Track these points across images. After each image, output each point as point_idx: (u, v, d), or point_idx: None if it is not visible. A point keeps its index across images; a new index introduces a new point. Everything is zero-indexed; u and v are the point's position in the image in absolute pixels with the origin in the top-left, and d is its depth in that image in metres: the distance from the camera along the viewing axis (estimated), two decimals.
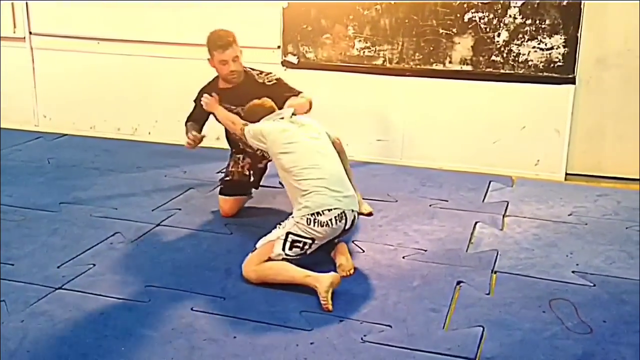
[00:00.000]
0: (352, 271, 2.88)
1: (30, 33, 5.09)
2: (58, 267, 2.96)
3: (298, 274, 2.76)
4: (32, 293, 2.72)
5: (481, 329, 2.49)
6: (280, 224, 2.90)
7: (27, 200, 3.76)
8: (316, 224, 2.80)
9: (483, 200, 3.88)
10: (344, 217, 2.86)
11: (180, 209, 3.66)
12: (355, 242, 3.24)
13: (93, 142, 4.99)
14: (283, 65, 4.60)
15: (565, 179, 4.30)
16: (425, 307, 2.65)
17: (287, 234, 2.80)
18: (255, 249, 2.87)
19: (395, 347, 2.37)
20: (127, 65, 4.98)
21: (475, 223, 3.51)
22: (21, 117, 5.23)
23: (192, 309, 2.61)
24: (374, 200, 3.79)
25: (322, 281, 2.66)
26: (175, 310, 2.61)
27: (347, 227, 2.90)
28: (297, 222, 2.83)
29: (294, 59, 4.59)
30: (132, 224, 3.43)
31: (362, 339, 2.42)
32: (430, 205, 3.78)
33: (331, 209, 2.83)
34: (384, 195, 3.92)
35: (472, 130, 4.43)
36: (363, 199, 3.18)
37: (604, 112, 4.25)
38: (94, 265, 2.98)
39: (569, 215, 3.65)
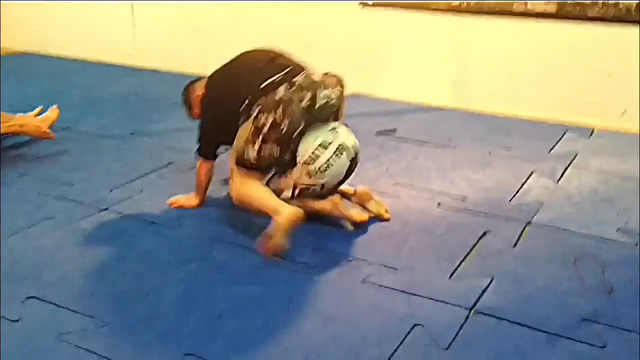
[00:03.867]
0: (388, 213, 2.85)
1: None
2: (110, 190, 3.18)
3: (310, 204, 2.74)
4: (79, 212, 2.96)
5: (489, 280, 2.40)
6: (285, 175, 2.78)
7: (105, 129, 4.04)
8: (318, 172, 2.67)
9: (550, 151, 3.65)
10: (344, 150, 2.68)
11: None
12: (396, 184, 3.21)
13: (181, 78, 5.14)
14: (360, 5, 4.52)
15: None
16: (440, 255, 2.58)
17: (294, 185, 2.75)
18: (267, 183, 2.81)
19: (393, 289, 2.36)
20: (218, 4, 5.11)
21: (531, 173, 3.33)
22: (121, 53, 5.56)
23: (211, 239, 2.73)
24: (432, 145, 3.71)
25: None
26: (197, 238, 2.74)
27: (352, 157, 2.71)
28: (299, 177, 2.71)
29: None
30: (188, 156, 3.57)
31: (363, 280, 2.42)
32: (489, 153, 3.62)
33: (326, 145, 2.67)
34: (445, 140, 3.80)
35: (553, 76, 4.13)
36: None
37: None
38: (142, 191, 3.18)
39: None
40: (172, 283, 2.43)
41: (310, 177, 2.70)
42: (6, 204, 3.02)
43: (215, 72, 2.96)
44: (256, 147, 2.66)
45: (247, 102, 2.68)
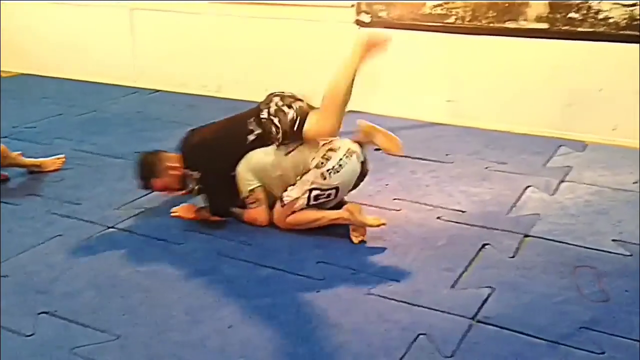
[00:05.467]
0: (365, 237, 2.87)
1: None
2: (116, 209, 3.25)
3: (328, 214, 2.89)
4: (87, 230, 3.02)
5: (490, 289, 2.47)
6: (299, 179, 2.91)
7: (108, 148, 4.10)
8: (332, 173, 2.83)
9: (544, 165, 3.74)
10: (353, 153, 2.90)
11: None
12: (395, 199, 3.28)
13: (181, 97, 5.28)
14: (356, 24, 4.62)
15: None
16: (441, 267, 2.66)
17: (309, 190, 2.86)
18: (284, 204, 2.93)
19: (396, 300, 2.42)
20: (216, 25, 5.20)
21: (527, 187, 3.41)
22: (121, 73, 5.63)
23: (218, 253, 2.80)
24: (430, 160, 3.79)
25: (350, 213, 2.84)
26: (203, 253, 2.81)
27: (362, 160, 2.94)
28: (314, 181, 2.86)
29: (367, 18, 4.59)
30: None
31: (367, 291, 2.49)
32: (485, 168, 3.70)
33: (335, 149, 2.87)
34: (442, 155, 3.89)
35: (545, 92, 4.24)
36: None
37: None
38: (147, 209, 3.24)
39: (633, 183, 3.45)
40: (181, 296, 2.49)
41: (325, 179, 2.84)
42: (16, 222, 3.08)
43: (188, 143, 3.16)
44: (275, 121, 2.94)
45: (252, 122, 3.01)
